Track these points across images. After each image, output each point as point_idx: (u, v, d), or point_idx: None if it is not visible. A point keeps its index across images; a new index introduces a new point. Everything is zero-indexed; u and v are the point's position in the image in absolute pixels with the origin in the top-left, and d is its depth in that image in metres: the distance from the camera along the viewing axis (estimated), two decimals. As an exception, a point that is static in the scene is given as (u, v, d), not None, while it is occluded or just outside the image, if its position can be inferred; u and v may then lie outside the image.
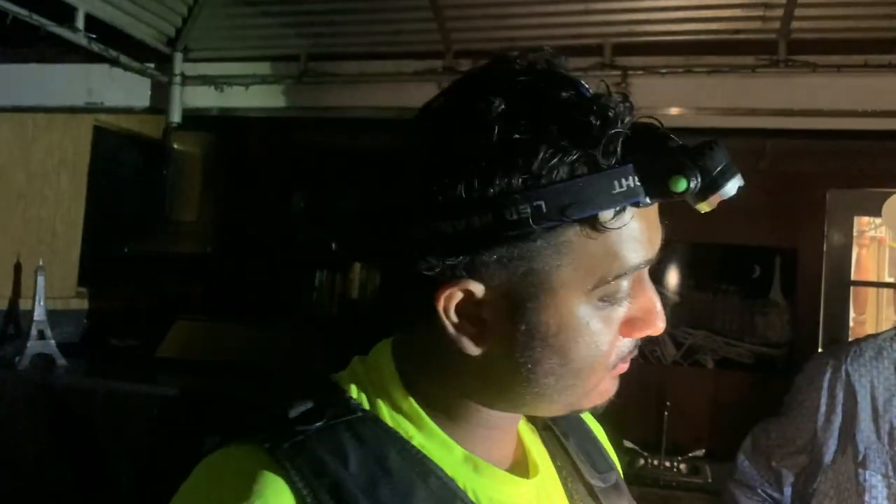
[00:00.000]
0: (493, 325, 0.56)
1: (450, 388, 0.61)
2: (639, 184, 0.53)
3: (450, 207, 0.52)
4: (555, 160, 0.51)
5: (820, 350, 4.37)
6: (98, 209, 3.76)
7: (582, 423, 0.78)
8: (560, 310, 0.55)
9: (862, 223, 5.26)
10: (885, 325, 5.50)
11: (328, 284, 4.67)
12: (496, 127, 0.52)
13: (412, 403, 0.60)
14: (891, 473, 1.34)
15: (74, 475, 2.75)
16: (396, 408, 0.60)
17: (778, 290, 4.24)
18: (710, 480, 3.03)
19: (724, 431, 4.42)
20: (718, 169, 0.55)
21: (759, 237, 4.15)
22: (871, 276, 5.71)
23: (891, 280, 5.91)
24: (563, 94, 0.54)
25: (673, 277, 4.28)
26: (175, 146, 3.85)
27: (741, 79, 2.67)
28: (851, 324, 4.89)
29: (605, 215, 0.53)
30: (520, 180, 0.51)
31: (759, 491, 1.50)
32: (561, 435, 0.73)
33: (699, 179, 0.54)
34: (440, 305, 0.56)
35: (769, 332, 4.25)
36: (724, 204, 0.60)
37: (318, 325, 3.90)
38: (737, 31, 2.59)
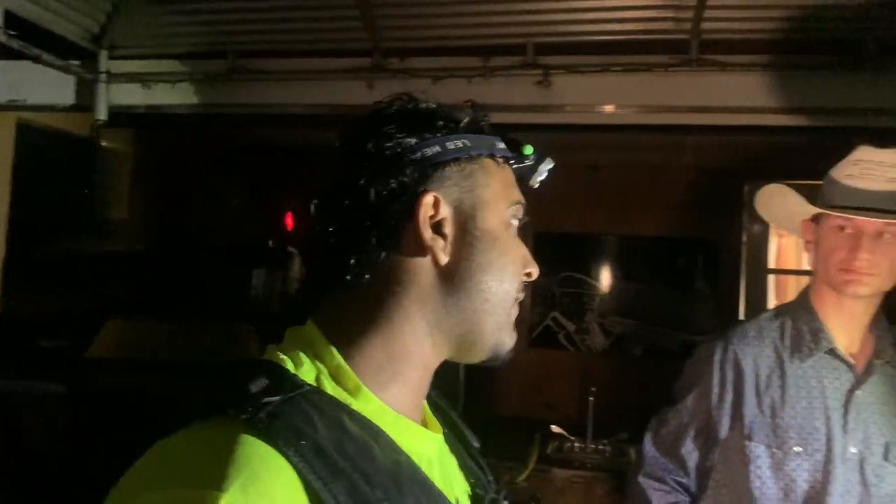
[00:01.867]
0: (454, 236, 0.74)
1: (390, 340, 0.71)
2: (506, 147, 0.80)
3: (414, 146, 0.73)
4: (467, 123, 0.78)
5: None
6: (24, 209, 3.69)
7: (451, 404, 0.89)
8: (495, 218, 0.76)
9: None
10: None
11: (267, 282, 4.66)
12: (437, 108, 0.77)
13: (350, 374, 0.68)
14: (773, 444, 1.44)
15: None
16: (336, 380, 0.68)
17: (701, 279, 4.43)
18: (634, 461, 3.17)
19: (650, 415, 4.60)
20: (542, 152, 0.85)
21: (683, 229, 4.32)
22: (792, 265, 5.98)
23: (808, 268, 6.19)
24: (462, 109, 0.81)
25: (603, 270, 4.43)
26: (103, 144, 3.80)
27: (657, 77, 2.79)
28: (770, 310, 5.12)
29: (500, 158, 0.78)
30: (454, 127, 0.76)
31: (669, 480, 1.57)
32: (447, 407, 0.85)
33: (536, 153, 0.84)
34: (421, 213, 0.71)
35: (694, 320, 4.44)
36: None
37: (255, 322, 3.90)
38: (651, 32, 2.70)
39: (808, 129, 2.96)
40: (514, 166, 0.82)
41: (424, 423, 0.77)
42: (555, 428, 3.31)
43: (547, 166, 0.86)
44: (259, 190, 4.54)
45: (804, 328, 1.48)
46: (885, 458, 1.41)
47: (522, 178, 0.84)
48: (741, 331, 1.53)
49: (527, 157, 0.83)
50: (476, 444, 0.85)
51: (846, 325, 1.46)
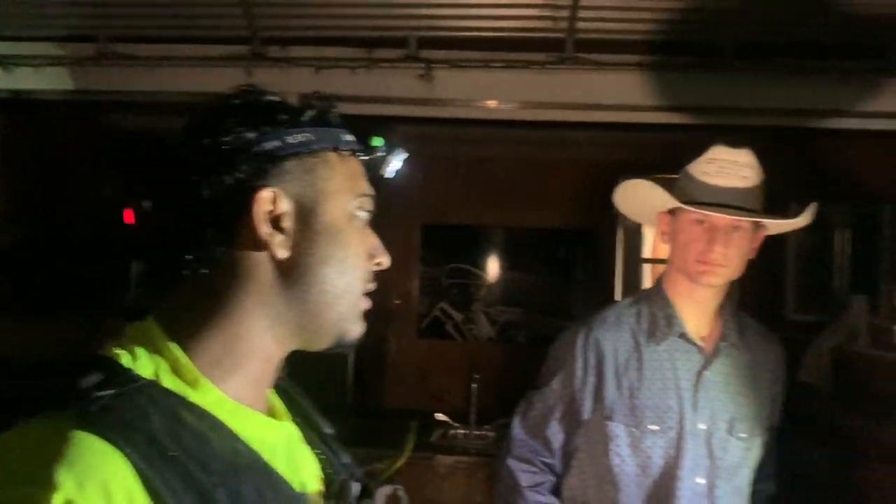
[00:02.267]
0: (293, 231, 0.73)
1: (229, 333, 0.71)
2: (353, 139, 0.80)
3: (253, 140, 0.72)
4: (310, 116, 0.77)
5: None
6: None
7: (305, 393, 0.90)
8: (337, 211, 0.76)
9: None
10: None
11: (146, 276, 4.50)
12: (280, 101, 0.77)
13: (189, 367, 0.68)
14: (631, 423, 1.53)
15: None
16: (175, 373, 0.68)
17: (581, 268, 4.60)
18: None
19: (532, 401, 4.75)
20: (393, 142, 0.86)
21: (565, 221, 4.47)
22: (665, 254, 6.30)
23: (681, 258, 6.55)
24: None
25: (489, 260, 4.52)
26: (-39, 129, 3.56)
27: (535, 74, 2.88)
28: (645, 298, 5.39)
29: (345, 151, 0.79)
30: (295, 120, 0.75)
31: (536, 461, 1.61)
32: (297, 395, 0.86)
33: (386, 144, 0.85)
34: (257, 209, 0.71)
35: (574, 306, 4.60)
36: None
37: (134, 316, 3.74)
38: (529, 30, 2.79)
39: (677, 127, 3.14)
40: (363, 158, 0.82)
41: (272, 412, 0.78)
42: (439, 416, 3.37)
43: (399, 157, 0.87)
44: (135, 179, 4.36)
45: (658, 314, 1.57)
46: (730, 432, 1.52)
47: (373, 169, 0.85)
48: (601, 317, 1.61)
49: (376, 148, 0.84)
50: (329, 431, 0.86)
51: (697, 311, 1.56)
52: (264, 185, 0.72)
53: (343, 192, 0.77)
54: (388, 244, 0.84)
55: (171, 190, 0.73)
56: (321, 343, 0.77)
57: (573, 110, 2.94)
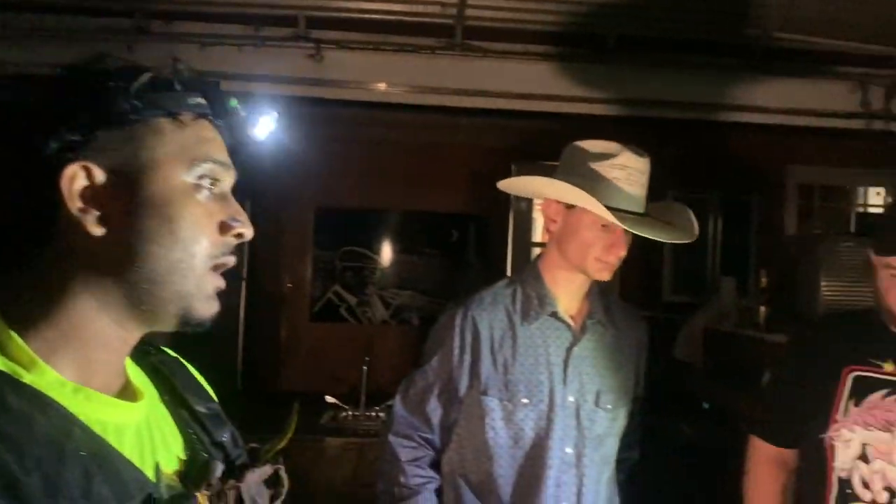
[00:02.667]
0: (112, 206, 0.68)
1: (64, 316, 0.68)
2: (205, 102, 0.75)
3: (66, 106, 0.68)
4: (141, 82, 0.71)
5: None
6: None
7: (185, 367, 0.88)
8: (166, 182, 0.70)
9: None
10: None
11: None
12: (109, 69, 0.71)
13: (23, 349, 0.65)
14: (504, 397, 1.57)
15: None
16: (7, 354, 0.64)
17: (473, 252, 4.70)
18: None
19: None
20: (256, 103, 0.79)
21: (458, 205, 4.54)
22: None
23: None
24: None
25: (383, 243, 4.54)
26: None
27: (425, 59, 2.91)
28: (535, 281, 5.57)
29: (185, 116, 0.73)
30: (119, 87, 0.69)
31: (416, 437, 1.65)
32: (169, 374, 0.83)
33: (246, 106, 0.80)
34: (64, 186, 0.66)
35: (466, 289, 4.69)
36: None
37: None
38: (419, 14, 2.81)
39: (564, 116, 3.25)
40: (216, 122, 0.76)
41: (129, 394, 0.75)
42: (329, 398, 3.37)
43: (266, 117, 0.85)
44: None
45: (532, 294, 1.63)
46: (596, 404, 1.61)
47: (239, 133, 0.79)
48: (479, 298, 1.66)
49: (232, 110, 0.77)
50: (202, 409, 0.83)
51: (570, 293, 1.64)
52: (73, 160, 0.67)
53: (175, 162, 0.71)
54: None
55: None
56: (163, 324, 0.73)
57: (462, 96, 2.98)
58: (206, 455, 0.78)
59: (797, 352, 1.72)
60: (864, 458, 1.46)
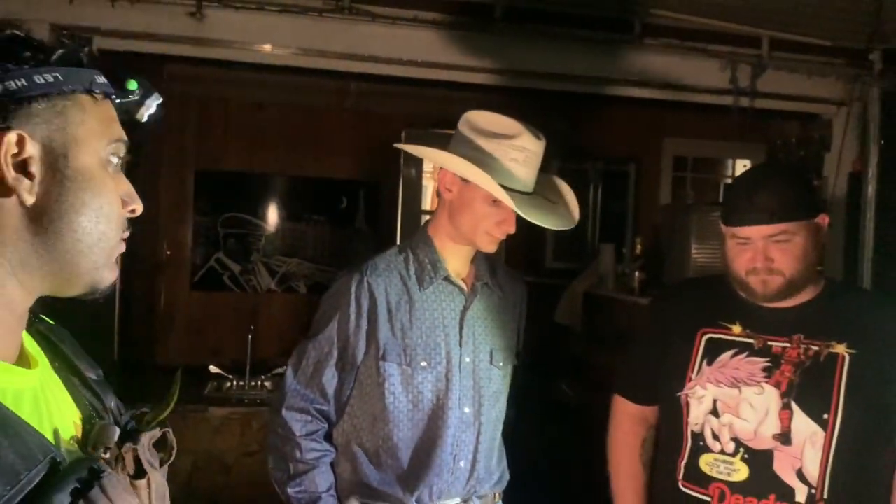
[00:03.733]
0: (43, 176, 0.71)
1: None
2: (107, 81, 0.78)
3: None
4: (59, 55, 0.74)
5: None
6: None
7: (69, 335, 0.88)
8: (89, 157, 0.74)
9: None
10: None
11: None
12: (25, 37, 0.73)
13: None
14: (403, 362, 1.60)
15: None
16: None
17: (363, 219, 4.67)
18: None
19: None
20: (149, 86, 0.84)
21: (347, 171, 4.50)
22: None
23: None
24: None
25: (269, 210, 4.45)
26: None
27: (312, 21, 2.84)
28: (423, 247, 5.64)
29: (98, 93, 0.76)
30: (41, 60, 0.72)
31: (311, 409, 1.63)
32: (58, 341, 0.84)
33: (142, 88, 0.83)
34: (0, 152, 0.68)
35: (355, 256, 4.67)
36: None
37: None
38: (305, -26, 2.73)
39: (454, 84, 3.26)
40: (118, 101, 0.80)
41: (22, 359, 0.75)
42: (213, 368, 3.30)
43: (154, 101, 0.85)
44: None
45: (425, 260, 1.66)
46: (491, 362, 1.68)
47: (129, 113, 0.83)
48: (373, 264, 1.67)
49: (131, 91, 0.81)
50: (92, 376, 0.85)
51: (459, 258, 1.69)
52: (9, 128, 0.68)
53: (96, 137, 0.75)
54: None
55: None
56: (72, 291, 0.76)
57: (350, 61, 2.94)
58: (101, 420, 0.80)
59: (657, 315, 1.82)
60: (714, 412, 1.57)
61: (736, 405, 1.55)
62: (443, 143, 1.68)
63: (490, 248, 1.63)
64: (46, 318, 0.87)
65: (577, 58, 3.13)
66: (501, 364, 1.70)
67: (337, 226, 4.60)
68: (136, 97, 0.82)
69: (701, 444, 1.58)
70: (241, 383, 3.37)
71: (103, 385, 0.86)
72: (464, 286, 1.68)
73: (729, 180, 4.80)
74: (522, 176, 1.58)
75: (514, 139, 1.58)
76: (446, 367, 1.63)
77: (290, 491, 1.61)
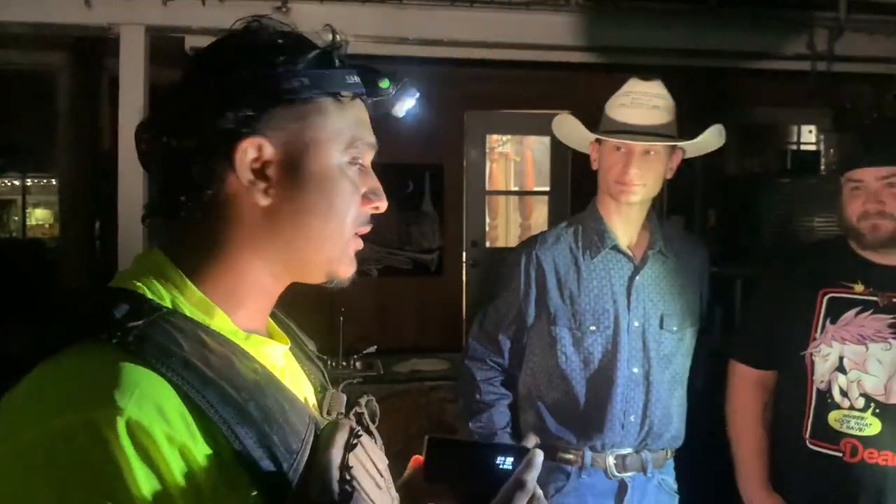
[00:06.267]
0: (278, 179, 0.73)
1: (232, 270, 0.74)
2: (360, 81, 0.78)
3: (243, 83, 0.72)
4: (309, 59, 0.75)
5: (464, 251, 5.06)
6: None
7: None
8: (326, 161, 0.75)
9: (492, 140, 6.11)
10: (513, 227, 6.51)
11: None
12: (283, 41, 0.74)
13: (202, 298, 0.72)
14: (573, 326, 1.72)
15: None
16: (191, 301, 0.71)
17: (429, 202, 4.75)
18: (381, 372, 3.40)
19: (390, 330, 4.92)
20: (403, 82, 0.84)
21: (412, 156, 4.57)
22: (501, 187, 6.66)
23: (516, 189, 6.97)
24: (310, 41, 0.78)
25: (337, 196, 4.55)
26: None
27: (391, 10, 2.91)
28: (487, 228, 5.71)
29: (345, 95, 0.77)
30: (290, 66, 0.73)
31: (488, 361, 1.82)
32: (285, 319, 0.90)
33: (395, 84, 0.82)
34: (238, 159, 0.71)
35: (423, 239, 4.77)
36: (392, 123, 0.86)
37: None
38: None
39: (518, 64, 3.30)
40: (370, 100, 0.80)
41: (273, 336, 0.82)
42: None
43: (411, 96, 0.86)
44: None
45: (592, 230, 1.78)
46: (661, 326, 1.75)
47: (384, 108, 0.84)
48: (542, 238, 1.81)
49: (384, 90, 0.81)
50: (313, 350, 0.92)
51: (626, 225, 1.77)
52: (249, 134, 0.71)
53: (335, 142, 0.76)
54: None
55: (161, 131, 0.72)
56: (313, 279, 0.80)
57: (427, 46, 3.00)
58: (327, 389, 0.87)
59: (775, 280, 1.85)
60: (841, 369, 1.62)
61: (863, 361, 1.60)
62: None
63: (624, 197, 1.68)
64: None
65: (651, 31, 3.14)
66: (675, 328, 1.76)
67: (404, 209, 4.68)
68: (390, 95, 0.82)
69: (829, 400, 1.62)
70: (334, 364, 3.47)
71: (318, 356, 0.93)
72: (632, 254, 1.75)
73: (794, 147, 4.77)
74: (632, 117, 1.66)
75: (620, 89, 1.70)
76: (614, 330, 1.71)
77: (472, 426, 1.78)
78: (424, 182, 4.72)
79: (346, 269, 0.80)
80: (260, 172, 0.73)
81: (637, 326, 1.72)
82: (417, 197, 4.71)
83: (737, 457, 1.81)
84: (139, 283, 0.69)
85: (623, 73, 3.41)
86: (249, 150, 0.71)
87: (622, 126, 1.66)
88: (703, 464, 1.89)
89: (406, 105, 0.87)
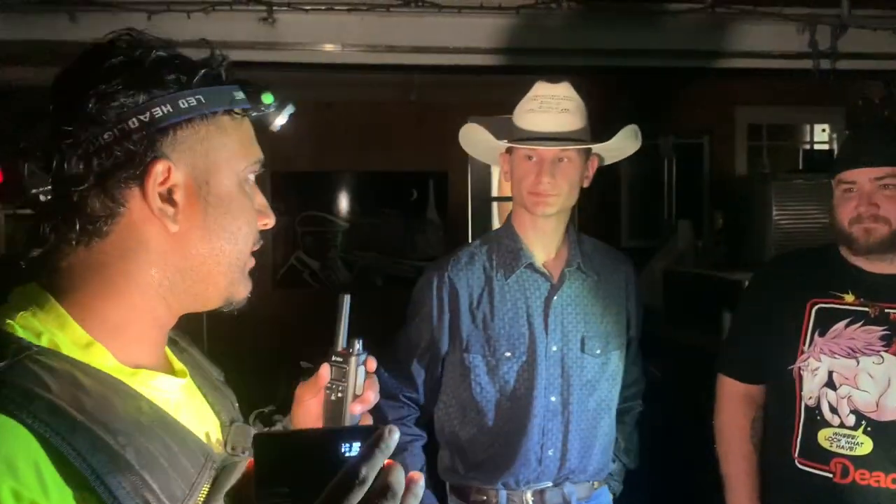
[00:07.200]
0: (186, 203, 0.71)
1: (125, 303, 0.70)
2: (245, 97, 0.76)
3: (141, 106, 0.68)
4: (199, 77, 0.72)
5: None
6: None
7: (190, 339, 0.90)
8: (229, 181, 0.74)
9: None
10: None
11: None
12: (167, 56, 0.71)
13: (81, 333, 0.68)
14: (487, 353, 1.60)
15: None
16: (71, 338, 0.67)
17: (433, 209, 4.71)
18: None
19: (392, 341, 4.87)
20: (281, 98, 0.81)
21: (415, 163, 4.53)
22: (508, 193, 6.61)
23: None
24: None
25: (342, 205, 4.52)
26: None
27: (379, 17, 2.86)
28: (494, 234, 5.65)
29: (237, 112, 0.75)
30: (184, 85, 0.71)
31: (401, 397, 1.69)
32: (187, 346, 0.87)
33: (276, 100, 0.80)
34: (148, 182, 0.68)
35: (428, 247, 4.72)
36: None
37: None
38: (370, -28, 2.75)
39: (519, 68, 3.23)
40: (253, 115, 0.79)
41: (169, 369, 0.78)
42: (303, 363, 3.38)
43: (288, 111, 0.85)
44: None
45: (508, 248, 1.67)
46: (583, 350, 1.65)
47: (261, 123, 0.82)
48: (455, 258, 1.68)
49: (267, 105, 0.79)
50: (220, 377, 0.88)
51: (542, 241, 1.66)
52: (156, 158, 0.68)
53: (236, 160, 0.74)
54: None
55: (53, 157, 0.67)
56: (212, 305, 0.77)
57: (416, 54, 2.95)
58: (235, 421, 0.83)
59: (761, 289, 1.77)
60: (830, 384, 1.54)
61: (854, 376, 1.51)
62: (511, 129, 1.69)
63: (539, 209, 1.59)
64: None
65: (646, 33, 3.07)
66: (599, 352, 1.66)
67: (409, 217, 4.64)
68: (272, 109, 0.81)
69: (818, 418, 1.54)
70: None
71: (225, 386, 0.89)
72: (549, 272, 1.65)
73: (807, 146, 4.65)
74: (541, 123, 1.57)
75: (528, 93, 1.61)
76: (531, 356, 1.61)
77: None
78: (429, 190, 4.67)
79: (244, 290, 0.78)
80: (167, 197, 0.69)
81: (555, 351, 1.62)
82: (422, 205, 4.67)
83: (725, 474, 1.73)
84: (10, 321, 0.65)
85: (622, 75, 3.35)
86: (159, 175, 0.68)
87: (531, 133, 1.57)
88: (691, 482, 1.82)
89: (283, 120, 0.85)
